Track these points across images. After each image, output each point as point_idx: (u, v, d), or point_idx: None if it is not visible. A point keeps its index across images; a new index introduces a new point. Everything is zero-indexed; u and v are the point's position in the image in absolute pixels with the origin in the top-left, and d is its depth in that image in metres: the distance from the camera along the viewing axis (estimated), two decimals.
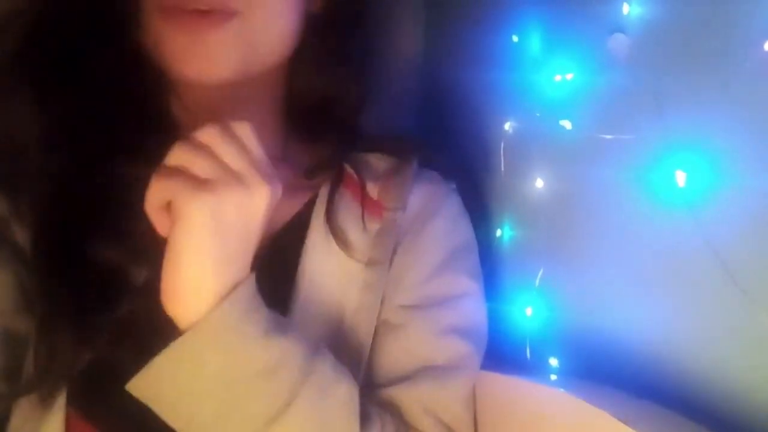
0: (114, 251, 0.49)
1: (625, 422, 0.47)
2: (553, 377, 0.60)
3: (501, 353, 0.62)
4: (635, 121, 0.54)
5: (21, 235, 0.49)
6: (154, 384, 0.42)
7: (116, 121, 0.50)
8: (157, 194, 0.42)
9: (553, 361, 0.62)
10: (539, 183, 0.63)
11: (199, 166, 0.41)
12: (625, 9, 0.54)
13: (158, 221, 0.43)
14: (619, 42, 0.55)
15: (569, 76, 0.59)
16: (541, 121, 0.62)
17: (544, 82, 0.61)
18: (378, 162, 0.60)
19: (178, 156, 0.42)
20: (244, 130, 0.44)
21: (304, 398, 0.43)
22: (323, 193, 0.55)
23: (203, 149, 0.41)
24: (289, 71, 0.56)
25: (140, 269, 0.50)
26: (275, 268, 0.51)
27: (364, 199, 0.56)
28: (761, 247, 0.46)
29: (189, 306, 0.41)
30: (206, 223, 0.40)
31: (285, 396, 0.43)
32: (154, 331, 0.47)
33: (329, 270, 0.52)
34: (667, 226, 0.52)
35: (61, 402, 0.47)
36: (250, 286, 0.43)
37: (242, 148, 0.43)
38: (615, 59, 0.55)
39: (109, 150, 0.50)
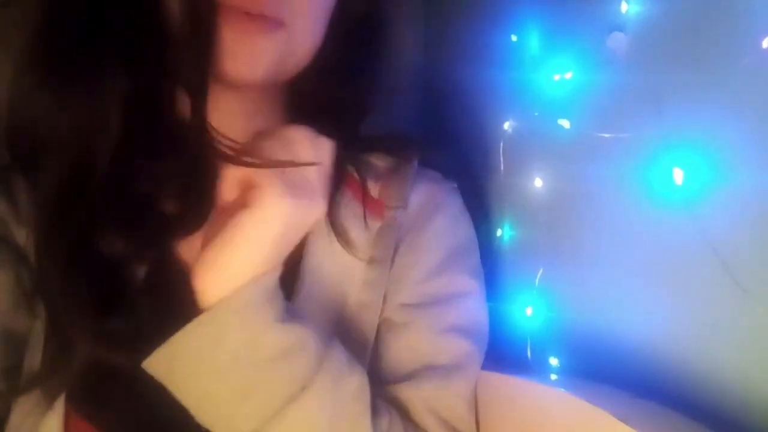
0: (114, 249, 0.49)
1: (626, 421, 0.47)
2: (554, 377, 0.60)
3: (501, 353, 0.62)
4: (634, 119, 0.54)
5: (21, 235, 0.50)
6: (172, 359, 0.43)
7: (131, 118, 0.50)
8: (241, 174, 0.46)
9: (554, 361, 0.62)
10: (539, 182, 0.63)
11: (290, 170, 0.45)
12: (624, 7, 0.54)
13: (227, 190, 0.47)
14: (617, 40, 0.55)
15: (568, 75, 0.59)
16: (540, 121, 0.62)
17: (543, 81, 0.61)
18: (378, 161, 0.60)
19: (276, 146, 0.47)
20: (329, 146, 0.49)
21: (318, 384, 0.44)
22: None
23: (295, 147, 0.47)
24: (296, 77, 0.56)
25: (140, 267, 0.50)
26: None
27: (365, 198, 0.56)
28: (760, 244, 0.45)
29: (220, 284, 0.44)
30: (275, 225, 0.44)
31: (300, 380, 0.44)
32: (153, 330, 0.48)
33: (331, 268, 0.53)
34: (665, 224, 0.51)
35: (60, 401, 0.47)
36: (275, 276, 0.46)
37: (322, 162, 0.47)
38: (614, 58, 0.55)
39: (121, 145, 0.50)
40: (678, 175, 0.49)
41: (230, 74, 0.48)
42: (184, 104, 0.52)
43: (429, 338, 0.54)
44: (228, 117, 0.52)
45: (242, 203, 0.44)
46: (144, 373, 0.47)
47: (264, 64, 0.48)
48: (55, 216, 0.47)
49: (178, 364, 0.43)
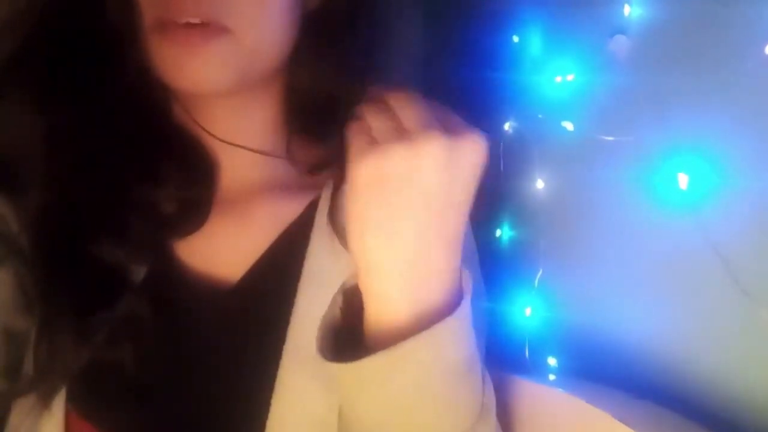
0: (113, 249, 0.49)
1: (624, 422, 0.47)
2: (552, 377, 0.60)
3: (500, 353, 0.63)
4: (636, 122, 0.54)
5: (21, 235, 0.49)
6: (390, 367, 0.37)
7: (117, 125, 0.50)
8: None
9: (552, 361, 0.62)
10: (539, 184, 0.63)
11: (375, 123, 0.39)
12: (626, 10, 0.54)
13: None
14: (620, 43, 0.55)
15: (570, 77, 0.59)
16: (541, 122, 0.62)
17: (545, 83, 0.61)
18: None
19: (364, 112, 0.40)
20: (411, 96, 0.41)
21: (487, 396, 0.43)
22: (326, 192, 0.55)
23: (388, 110, 0.40)
24: (289, 70, 0.56)
25: (139, 268, 0.49)
26: (280, 269, 0.51)
27: None
28: (762, 248, 0.46)
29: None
30: (370, 183, 0.38)
31: (480, 388, 0.42)
32: (153, 329, 0.48)
33: (333, 270, 0.52)
34: (668, 228, 0.52)
35: (60, 400, 0.46)
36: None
37: (416, 108, 0.39)
38: (616, 60, 0.56)
39: (110, 152, 0.50)
40: (682, 180, 0.49)
41: (185, 88, 0.48)
42: (179, 110, 0.53)
43: None
44: (219, 118, 0.52)
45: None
46: (144, 373, 0.47)
47: (216, 72, 0.47)
48: (45, 221, 0.47)
49: (393, 374, 0.38)
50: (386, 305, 0.39)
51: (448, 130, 0.38)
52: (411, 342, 0.37)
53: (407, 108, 0.39)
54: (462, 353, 0.39)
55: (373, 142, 0.38)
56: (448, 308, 0.39)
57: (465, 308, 0.39)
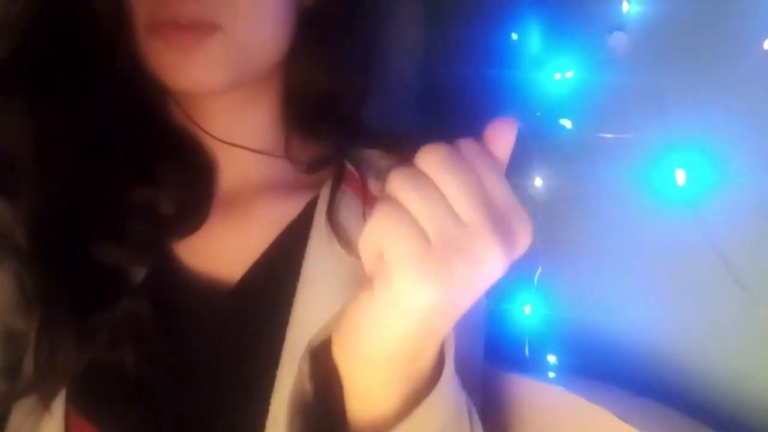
0: (112, 251, 0.49)
1: (624, 419, 0.47)
2: (552, 374, 0.60)
3: (500, 351, 0.63)
4: (635, 119, 0.54)
5: (21, 235, 0.49)
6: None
7: (115, 126, 0.50)
8: (372, 238, 0.32)
9: (552, 359, 0.62)
10: (538, 182, 0.63)
11: (423, 210, 0.32)
12: (625, 7, 0.54)
13: (368, 263, 0.34)
14: (618, 40, 0.55)
15: (569, 75, 0.59)
16: (541, 120, 0.62)
17: (544, 81, 0.61)
18: (379, 159, 0.59)
19: (397, 186, 0.33)
20: (484, 154, 0.35)
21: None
22: (325, 192, 0.55)
23: (429, 184, 0.33)
24: (287, 66, 0.56)
25: (139, 269, 0.50)
26: (278, 269, 0.51)
27: (366, 197, 0.56)
28: (761, 244, 0.46)
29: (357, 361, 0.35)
30: (424, 311, 0.32)
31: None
32: (153, 329, 0.48)
33: (332, 269, 0.52)
34: (667, 225, 0.52)
35: (60, 401, 0.47)
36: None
37: (478, 187, 0.33)
38: (615, 57, 0.55)
39: (107, 153, 0.50)
40: (680, 176, 0.49)
41: (181, 89, 0.48)
42: (176, 110, 0.53)
43: None
44: (216, 118, 0.52)
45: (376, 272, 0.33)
46: (145, 373, 0.47)
47: (212, 72, 0.47)
48: (44, 221, 0.47)
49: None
50: (371, 397, 0.36)
51: (503, 219, 0.33)
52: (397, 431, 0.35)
53: (451, 180, 0.33)
54: (449, 413, 0.37)
55: (429, 248, 0.31)
56: (433, 372, 0.37)
57: (447, 374, 0.36)
